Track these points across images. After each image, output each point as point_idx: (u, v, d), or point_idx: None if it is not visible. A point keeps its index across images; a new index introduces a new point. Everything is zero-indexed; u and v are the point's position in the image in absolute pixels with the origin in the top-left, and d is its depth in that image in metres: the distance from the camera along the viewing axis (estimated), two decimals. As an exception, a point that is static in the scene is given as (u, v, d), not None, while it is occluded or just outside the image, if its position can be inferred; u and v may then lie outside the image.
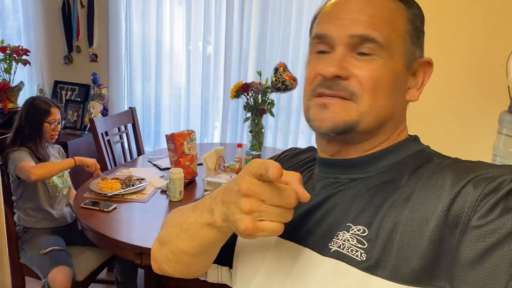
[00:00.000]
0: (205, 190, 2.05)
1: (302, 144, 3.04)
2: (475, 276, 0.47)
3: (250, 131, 2.71)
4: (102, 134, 2.52)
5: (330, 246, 0.57)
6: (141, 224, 1.73)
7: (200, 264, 0.71)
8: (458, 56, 2.11)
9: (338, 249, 0.55)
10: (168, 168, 2.36)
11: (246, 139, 3.06)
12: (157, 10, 3.11)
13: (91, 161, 2.07)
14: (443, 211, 0.51)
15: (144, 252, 1.54)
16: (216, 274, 0.78)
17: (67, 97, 3.42)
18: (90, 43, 3.31)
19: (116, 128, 2.75)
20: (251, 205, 0.46)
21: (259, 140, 2.72)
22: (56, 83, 3.45)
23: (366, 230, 0.55)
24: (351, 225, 0.56)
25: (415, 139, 0.65)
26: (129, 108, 2.89)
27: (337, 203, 0.61)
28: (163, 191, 2.03)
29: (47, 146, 2.13)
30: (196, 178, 2.21)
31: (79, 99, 3.39)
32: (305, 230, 0.62)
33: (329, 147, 0.64)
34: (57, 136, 2.11)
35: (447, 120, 1.95)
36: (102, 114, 3.25)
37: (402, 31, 0.58)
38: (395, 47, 0.58)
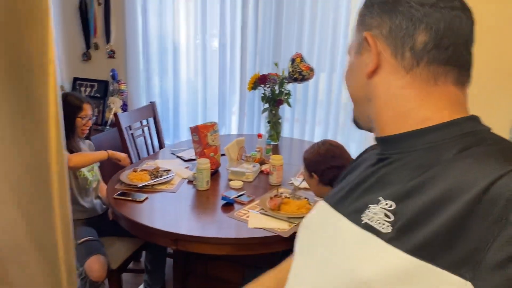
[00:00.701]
0: (229, 180, 2.12)
1: (318, 134, 3.10)
2: (499, 276, 0.48)
3: (268, 122, 2.78)
4: (126, 128, 2.60)
5: (362, 218, 0.63)
6: (173, 212, 1.81)
7: None
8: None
9: (368, 221, 0.61)
10: (192, 160, 2.43)
11: (262, 129, 3.13)
12: (173, 4, 3.17)
13: (123, 155, 2.19)
14: (475, 194, 0.51)
15: (180, 239, 1.62)
16: None
17: (87, 93, 3.50)
18: (108, 39, 3.39)
19: (138, 122, 2.83)
20: None
21: (277, 131, 2.79)
22: (75, 79, 3.54)
23: (394, 205, 0.59)
24: (380, 199, 0.61)
25: (472, 119, 0.64)
26: (150, 102, 2.96)
27: (379, 178, 0.66)
28: (190, 181, 2.11)
29: (79, 141, 2.22)
30: (220, 168, 2.28)
31: (98, 95, 3.47)
32: (349, 201, 0.70)
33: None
34: (87, 131, 2.20)
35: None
36: (122, 109, 3.33)
37: (354, 31, 0.72)
38: (351, 48, 0.74)
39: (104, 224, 2.20)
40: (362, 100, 0.72)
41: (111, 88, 3.42)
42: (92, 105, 2.22)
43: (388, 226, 0.58)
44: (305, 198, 1.88)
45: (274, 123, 2.76)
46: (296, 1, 2.90)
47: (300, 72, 2.60)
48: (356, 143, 3.00)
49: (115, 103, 3.29)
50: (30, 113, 1.08)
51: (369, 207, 0.62)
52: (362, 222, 0.62)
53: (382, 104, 0.67)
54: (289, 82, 2.70)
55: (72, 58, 3.54)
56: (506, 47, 2.35)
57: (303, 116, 3.09)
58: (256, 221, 1.69)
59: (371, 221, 0.60)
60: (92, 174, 2.21)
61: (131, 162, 2.53)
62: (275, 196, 1.88)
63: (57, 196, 1.16)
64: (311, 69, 2.62)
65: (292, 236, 1.61)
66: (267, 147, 2.45)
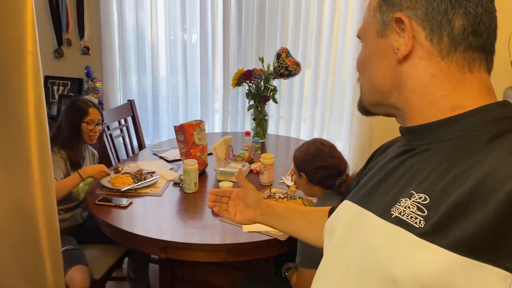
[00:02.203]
0: (218, 180, 2.02)
1: (304, 131, 3.02)
2: None
3: (254, 119, 2.68)
4: (104, 128, 2.45)
5: (392, 212, 0.59)
6: (161, 217, 1.70)
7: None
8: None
9: (399, 215, 0.57)
10: (176, 160, 2.32)
11: (247, 127, 3.03)
12: (150, -2, 3.03)
13: (99, 174, 1.92)
14: None
15: (169, 246, 1.51)
16: None
17: (60, 93, 3.32)
18: (81, 35, 3.21)
19: (116, 122, 2.69)
20: None
21: (263, 128, 2.70)
22: (47, 78, 3.34)
23: (428, 198, 0.55)
24: (413, 192, 0.57)
25: (504, 104, 0.61)
26: (128, 100, 2.82)
27: (407, 170, 0.62)
28: (176, 184, 2.00)
29: (84, 149, 2.10)
30: (207, 169, 2.17)
31: (72, 94, 3.29)
32: (376, 196, 0.66)
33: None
34: (96, 137, 2.06)
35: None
36: (98, 108, 3.17)
37: (373, 10, 0.67)
38: (367, 30, 0.68)
39: (85, 232, 2.06)
40: (388, 88, 0.66)
41: (85, 86, 3.24)
42: (101, 111, 2.09)
43: (421, 220, 0.54)
44: (300, 198, 1.80)
45: (260, 120, 2.67)
46: (280, -5, 2.81)
47: (287, 67, 2.52)
48: (343, 141, 2.95)
49: (90, 102, 3.12)
50: (5, 111, 0.93)
51: (400, 200, 0.59)
52: (392, 216, 0.58)
53: (411, 91, 0.63)
54: (275, 78, 2.61)
55: (42, 55, 3.31)
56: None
57: (289, 113, 3.01)
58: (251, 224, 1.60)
59: (402, 215, 0.57)
60: (85, 189, 2.05)
61: (110, 165, 2.39)
62: (269, 196, 1.80)
63: (43, 208, 1.03)
64: (298, 64, 2.54)
65: (289, 239, 1.53)
66: (255, 145, 2.36)
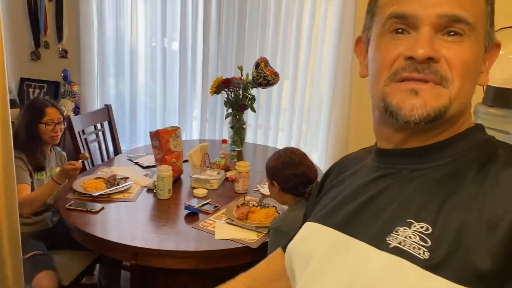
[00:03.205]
0: (193, 188, 2.02)
1: (281, 141, 3.05)
2: None
3: (232, 127, 2.69)
4: (79, 132, 2.43)
5: (388, 241, 0.54)
6: (132, 224, 1.68)
7: None
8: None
9: (399, 245, 0.53)
10: (151, 166, 2.30)
11: (225, 135, 3.03)
12: (130, 4, 3.02)
13: (71, 171, 1.85)
14: None
15: (140, 252, 1.49)
16: None
17: (35, 95, 3.26)
18: (59, 38, 3.17)
19: (92, 126, 2.66)
20: None
21: (241, 136, 2.71)
22: (22, 80, 3.28)
23: (430, 228, 0.52)
24: (412, 221, 0.54)
25: (480, 128, 0.60)
26: (105, 105, 2.79)
27: (396, 195, 0.58)
28: (150, 190, 1.98)
29: (51, 151, 2.05)
30: (182, 176, 2.16)
31: (48, 97, 3.24)
32: (360, 222, 0.60)
33: (395, 136, 0.61)
34: (58, 137, 2.00)
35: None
36: (74, 112, 3.13)
37: (484, 12, 0.56)
38: (480, 29, 0.56)
39: (54, 236, 2.01)
40: (464, 106, 0.59)
41: (62, 89, 3.20)
42: (60, 109, 2.03)
43: (424, 251, 0.51)
44: (273, 206, 1.81)
45: (238, 129, 2.68)
46: (260, 5, 2.85)
47: (265, 77, 2.54)
48: (319, 151, 2.98)
49: (66, 105, 3.07)
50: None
51: (397, 230, 0.54)
52: (391, 246, 0.54)
53: (462, 116, 0.61)
54: (253, 87, 2.63)
55: (19, 57, 3.27)
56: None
57: (267, 122, 3.03)
58: (223, 232, 1.60)
59: (403, 245, 0.53)
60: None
61: (85, 169, 2.35)
62: (242, 204, 1.80)
63: (4, 209, 1.01)
64: (276, 74, 2.57)
65: (261, 247, 1.53)
66: (232, 153, 2.36)
